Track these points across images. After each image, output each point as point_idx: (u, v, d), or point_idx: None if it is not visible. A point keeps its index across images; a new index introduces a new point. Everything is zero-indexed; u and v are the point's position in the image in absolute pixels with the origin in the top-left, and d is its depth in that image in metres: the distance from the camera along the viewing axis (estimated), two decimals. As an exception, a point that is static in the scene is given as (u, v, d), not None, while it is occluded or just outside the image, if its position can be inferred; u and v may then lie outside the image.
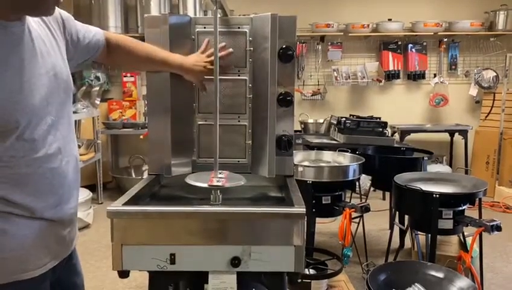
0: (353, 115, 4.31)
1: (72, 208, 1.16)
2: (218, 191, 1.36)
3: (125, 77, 5.21)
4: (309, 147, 4.13)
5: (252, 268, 1.23)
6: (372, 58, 5.48)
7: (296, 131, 1.87)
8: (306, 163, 2.87)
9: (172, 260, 1.22)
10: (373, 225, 3.83)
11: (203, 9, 4.82)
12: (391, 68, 5.33)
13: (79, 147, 4.21)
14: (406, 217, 2.93)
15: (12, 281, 1.02)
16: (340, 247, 2.54)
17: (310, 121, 5.07)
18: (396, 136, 4.89)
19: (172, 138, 1.57)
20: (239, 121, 1.64)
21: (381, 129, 3.91)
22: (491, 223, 2.21)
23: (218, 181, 1.37)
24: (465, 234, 2.65)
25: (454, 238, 2.96)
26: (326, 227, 3.76)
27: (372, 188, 3.84)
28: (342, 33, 5.25)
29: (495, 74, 5.21)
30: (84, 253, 3.31)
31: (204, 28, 1.59)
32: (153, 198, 1.53)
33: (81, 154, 4.29)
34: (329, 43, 5.33)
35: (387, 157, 3.37)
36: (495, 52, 5.34)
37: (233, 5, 4.18)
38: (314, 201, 2.62)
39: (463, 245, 2.74)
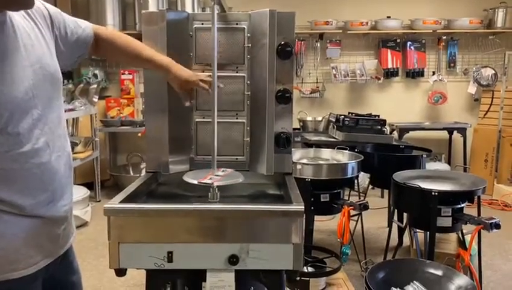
0: (352, 113, 4.30)
1: (66, 205, 1.14)
2: (216, 189, 1.35)
3: (123, 74, 5.20)
4: (308, 144, 4.12)
5: (250, 266, 1.22)
6: (371, 56, 5.47)
7: (294, 129, 1.86)
8: (305, 161, 2.86)
9: (170, 258, 1.21)
10: (371, 222, 3.82)
11: (201, 6, 4.80)
12: (390, 66, 5.32)
13: (77, 144, 4.24)
14: (405, 214, 2.92)
15: (1, 281, 1.00)
16: (339, 245, 2.53)
17: (309, 118, 5.06)
18: (395, 134, 4.89)
19: (170, 135, 1.56)
20: (237, 119, 1.63)
21: (380, 127, 3.90)
22: (490, 221, 2.20)
23: (210, 179, 1.36)
24: (464, 231, 2.65)
25: (452, 236, 2.95)
26: (325, 225, 3.75)
27: (370, 186, 3.84)
28: (341, 31, 5.24)
29: (494, 71, 5.20)
30: (82, 251, 3.30)
31: (202, 24, 1.58)
32: (151, 196, 1.52)
33: (79, 152, 4.28)
34: (328, 41, 5.32)
35: (386, 155, 3.36)
36: (494, 50, 5.34)
37: (231, 3, 4.17)
38: (312, 199, 2.62)
39: (462, 243, 2.73)
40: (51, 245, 1.11)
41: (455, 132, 5.21)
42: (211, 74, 1.48)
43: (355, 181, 2.91)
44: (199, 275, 1.25)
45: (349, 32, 5.22)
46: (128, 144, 5.37)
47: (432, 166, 4.63)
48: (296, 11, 1.56)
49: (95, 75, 5.08)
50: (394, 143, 3.86)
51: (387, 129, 4.21)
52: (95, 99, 4.86)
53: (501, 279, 2.93)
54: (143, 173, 1.77)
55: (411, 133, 5.02)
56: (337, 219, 2.63)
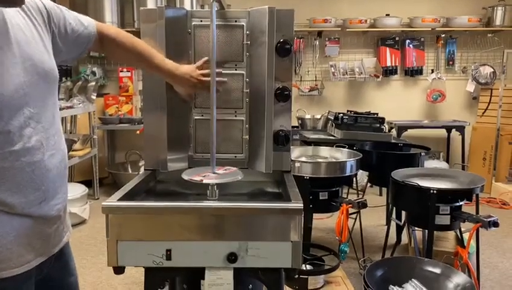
0: (350, 111, 4.30)
1: (59, 204, 1.11)
2: (215, 187, 1.35)
3: (121, 72, 5.18)
4: (306, 142, 4.12)
5: (248, 264, 1.22)
6: (370, 54, 5.47)
7: (293, 127, 1.86)
8: (303, 159, 2.86)
9: (169, 256, 1.21)
10: (370, 220, 3.83)
11: (199, 4, 4.78)
12: (389, 64, 5.32)
13: (75, 142, 4.23)
14: (403, 212, 2.92)
15: None
16: (337, 243, 2.53)
17: (307, 116, 5.06)
18: (394, 132, 4.89)
19: (169, 132, 1.56)
20: (236, 116, 1.62)
21: (378, 125, 3.90)
22: (489, 219, 2.20)
23: (204, 177, 1.36)
24: (462, 230, 2.65)
25: (451, 234, 2.96)
26: (323, 223, 3.76)
27: (369, 184, 3.84)
28: (340, 28, 5.23)
29: (492, 70, 5.20)
30: (80, 249, 3.29)
31: (201, 21, 1.57)
32: (149, 193, 1.52)
33: (77, 150, 4.27)
34: (326, 39, 5.32)
35: (384, 153, 3.36)
36: (492, 48, 5.34)
37: (230, 0, 4.16)
38: (311, 197, 2.62)
39: (460, 241, 2.74)
40: (42, 244, 1.09)
41: (453, 130, 5.21)
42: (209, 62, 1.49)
43: (354, 179, 2.91)
44: (198, 273, 1.25)
45: (348, 30, 5.21)
46: (127, 141, 5.36)
47: (430, 164, 4.64)
48: (294, 8, 1.55)
49: (94, 73, 5.07)
50: (393, 141, 3.86)
51: (385, 127, 4.21)
52: (94, 97, 4.85)
53: (499, 277, 2.94)
54: (141, 170, 1.76)
55: (409, 131, 5.03)
56: (336, 216, 2.63)
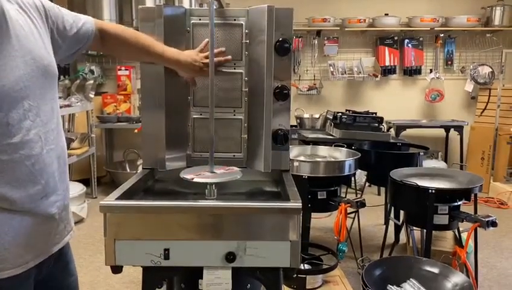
0: (349, 110, 4.30)
1: (59, 200, 1.11)
2: (214, 186, 1.34)
3: (119, 70, 5.17)
4: (305, 142, 4.12)
5: (247, 263, 1.22)
6: (369, 53, 5.47)
7: (291, 126, 1.86)
8: (302, 158, 2.86)
9: (167, 255, 1.20)
10: (368, 220, 3.83)
11: (198, 2, 4.77)
12: (387, 63, 5.32)
13: (73, 141, 4.22)
14: (401, 212, 2.92)
15: None
16: (336, 242, 2.53)
17: (306, 116, 5.05)
18: (392, 132, 4.89)
19: (167, 131, 1.55)
20: (234, 115, 1.62)
21: (377, 124, 3.90)
22: (487, 219, 2.21)
23: (199, 175, 1.35)
24: (460, 229, 2.65)
25: (449, 234, 2.96)
26: (322, 222, 3.76)
27: (367, 184, 3.84)
28: (339, 28, 5.23)
29: (491, 69, 5.21)
30: (78, 247, 3.29)
31: (200, 19, 1.57)
32: (147, 192, 1.51)
33: (75, 148, 4.26)
34: (325, 38, 5.31)
35: (383, 153, 3.36)
36: (491, 48, 5.34)
37: (229, -1, 4.16)
38: (309, 196, 2.62)
39: (458, 240, 2.74)
40: (42, 243, 1.08)
41: (452, 130, 5.22)
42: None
43: (352, 178, 2.90)
44: (196, 273, 1.24)
45: (346, 29, 5.21)
46: (125, 140, 5.36)
47: (428, 164, 4.64)
48: (293, 8, 1.55)
49: (92, 71, 5.05)
50: (391, 141, 3.86)
51: (384, 127, 4.22)
52: (92, 95, 4.84)
53: (497, 277, 2.94)
54: (139, 169, 1.76)
55: (408, 131, 5.03)
56: (334, 216, 2.63)
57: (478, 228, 2.30)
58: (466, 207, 2.47)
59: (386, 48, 5.31)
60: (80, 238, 3.50)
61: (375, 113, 4.09)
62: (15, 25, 1.00)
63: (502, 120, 5.03)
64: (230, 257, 1.20)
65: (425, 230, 2.51)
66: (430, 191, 2.31)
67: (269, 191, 1.58)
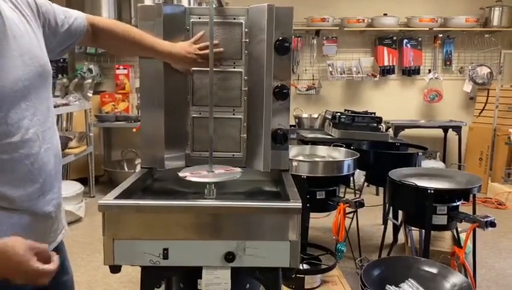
0: (348, 110, 4.30)
1: (55, 199, 1.12)
2: (213, 185, 1.33)
3: (118, 69, 5.16)
4: (303, 141, 4.11)
5: (246, 263, 1.21)
6: (367, 53, 5.47)
7: (290, 125, 1.86)
8: (300, 158, 2.86)
9: (165, 255, 1.20)
10: (366, 220, 3.83)
11: (197, 1, 4.77)
12: (386, 63, 5.32)
13: (71, 139, 4.20)
14: (400, 212, 2.92)
15: None
16: (334, 242, 2.53)
17: (305, 115, 5.05)
18: (390, 132, 4.89)
19: (166, 130, 1.55)
20: (234, 114, 1.61)
21: (375, 124, 3.90)
22: (486, 219, 2.21)
23: (193, 174, 1.34)
24: (459, 230, 2.65)
25: (447, 234, 2.96)
26: (320, 222, 3.75)
27: (365, 183, 3.84)
28: (337, 28, 5.23)
29: (489, 70, 5.21)
30: (76, 247, 3.27)
31: (199, 18, 1.56)
32: (146, 192, 1.50)
33: (73, 147, 4.25)
34: (324, 38, 5.31)
35: (381, 153, 3.36)
36: (490, 48, 5.35)
37: (228, -2, 4.14)
38: (308, 196, 2.61)
39: (456, 241, 2.74)
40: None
41: (450, 130, 5.22)
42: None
43: (351, 178, 2.90)
44: (195, 272, 1.24)
45: (345, 29, 5.21)
46: (123, 139, 5.34)
47: (426, 164, 4.64)
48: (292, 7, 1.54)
49: (90, 70, 5.04)
50: (390, 141, 3.86)
51: (383, 127, 4.22)
52: (90, 94, 4.82)
53: (495, 277, 2.95)
54: (137, 168, 1.75)
55: (406, 131, 5.03)
56: (333, 216, 2.62)
57: (477, 229, 2.30)
58: (464, 207, 2.47)
59: (385, 48, 5.31)
60: (78, 237, 3.49)
61: (374, 113, 4.09)
62: (11, 24, 1.00)
63: (500, 121, 5.04)
64: (229, 256, 1.20)
65: (423, 230, 2.51)
66: (429, 191, 2.30)
67: (269, 191, 1.58)
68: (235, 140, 1.62)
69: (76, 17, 1.24)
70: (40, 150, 1.04)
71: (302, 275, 2.48)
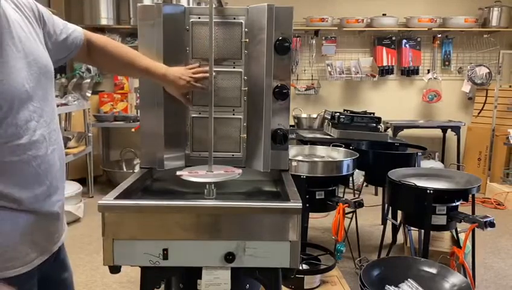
0: (347, 110, 4.30)
1: (60, 200, 1.13)
2: (213, 185, 1.33)
3: (117, 69, 5.14)
4: (303, 141, 4.11)
5: (246, 264, 1.21)
6: (366, 54, 5.47)
7: (289, 126, 1.85)
8: (300, 158, 2.85)
9: (165, 255, 1.20)
10: (365, 220, 3.83)
11: (196, 1, 4.76)
12: (385, 63, 5.32)
13: (69, 139, 4.19)
14: (399, 212, 2.92)
15: None
16: (333, 242, 2.52)
17: (304, 115, 5.05)
18: (389, 132, 4.89)
19: (165, 130, 1.54)
20: (234, 114, 1.61)
21: (375, 124, 3.90)
22: (485, 220, 2.21)
23: (195, 175, 1.34)
24: (458, 230, 2.65)
25: (446, 234, 2.96)
26: (319, 222, 3.75)
27: (364, 184, 3.84)
28: (337, 28, 5.23)
29: (488, 70, 5.22)
30: (75, 247, 3.27)
31: (199, 18, 1.56)
32: (145, 192, 1.50)
33: (71, 147, 4.24)
34: (323, 38, 5.31)
35: (381, 153, 3.36)
36: (488, 48, 5.36)
37: (227, -2, 4.14)
38: (307, 196, 2.61)
39: (455, 241, 2.74)
40: (45, 242, 1.10)
41: (449, 130, 5.23)
42: (202, 65, 1.51)
43: (350, 178, 2.90)
44: (194, 273, 1.23)
45: (344, 29, 5.21)
46: (122, 139, 5.34)
47: (425, 164, 4.64)
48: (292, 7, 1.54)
49: (89, 70, 5.02)
50: (389, 141, 3.86)
51: (382, 127, 4.22)
52: (88, 94, 4.81)
53: (494, 277, 2.95)
54: (136, 168, 1.75)
55: (405, 131, 5.03)
56: (332, 216, 2.62)
57: (475, 229, 2.30)
58: (463, 208, 2.47)
59: (384, 48, 5.32)
60: (77, 237, 3.48)
61: (373, 114, 4.09)
62: (15, 25, 1.01)
63: (499, 121, 5.05)
64: (229, 257, 1.20)
65: (423, 230, 2.50)
66: (428, 191, 2.30)
67: (268, 191, 1.58)
68: (235, 140, 1.62)
69: (74, 29, 1.24)
70: (46, 151, 1.05)
71: (302, 275, 2.48)
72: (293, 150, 2.98)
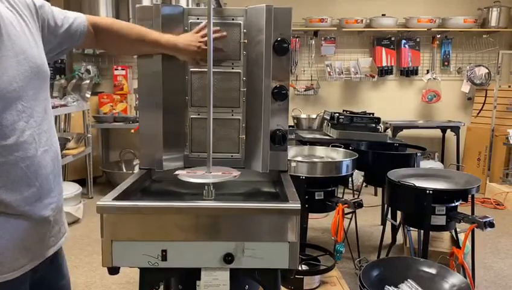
0: (346, 111, 4.30)
1: (53, 203, 1.09)
2: (211, 186, 1.33)
3: (116, 70, 5.15)
4: (302, 142, 4.10)
5: (245, 265, 1.21)
6: (366, 54, 5.47)
7: (288, 126, 1.85)
8: (299, 158, 2.85)
9: (164, 257, 1.19)
10: (364, 220, 3.83)
11: (195, 2, 4.76)
12: (384, 64, 5.33)
13: (69, 141, 4.19)
14: (398, 213, 2.92)
15: None
16: (333, 243, 2.52)
17: (303, 116, 5.05)
18: (389, 132, 4.89)
19: (164, 131, 1.54)
20: (232, 115, 1.61)
21: (374, 125, 3.89)
22: (484, 220, 2.21)
23: (194, 176, 1.34)
24: (458, 230, 2.65)
25: (446, 234, 2.96)
26: (319, 222, 3.75)
27: (364, 184, 3.84)
28: (336, 28, 5.24)
29: (487, 70, 5.23)
30: (74, 248, 3.27)
31: (198, 19, 1.56)
32: (144, 193, 1.50)
33: (71, 148, 4.24)
34: (322, 38, 5.31)
35: (380, 153, 3.36)
36: (487, 49, 5.36)
37: (226, -1, 4.14)
38: (307, 196, 2.61)
39: (455, 241, 2.74)
40: (38, 247, 1.07)
41: (448, 131, 5.23)
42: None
43: (350, 179, 2.90)
44: (193, 274, 1.23)
45: (344, 29, 5.21)
46: (121, 140, 5.33)
47: (425, 164, 4.65)
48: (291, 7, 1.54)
49: (88, 71, 5.03)
50: (388, 141, 3.86)
51: (381, 127, 4.21)
52: (88, 95, 4.81)
53: (494, 278, 2.95)
54: (136, 169, 1.75)
55: (404, 131, 5.04)
56: (331, 216, 2.62)
57: (475, 229, 2.30)
58: (463, 208, 2.47)
59: (383, 48, 5.32)
60: (76, 238, 3.48)
61: (373, 114, 4.09)
62: (6, 23, 0.98)
63: (498, 121, 5.05)
64: (228, 258, 1.20)
65: (422, 231, 2.50)
66: (427, 191, 2.30)
67: (267, 192, 1.57)
68: (234, 141, 1.62)
69: (76, 17, 1.23)
70: (36, 152, 1.02)
71: (301, 276, 2.48)
72: (292, 151, 2.98)
